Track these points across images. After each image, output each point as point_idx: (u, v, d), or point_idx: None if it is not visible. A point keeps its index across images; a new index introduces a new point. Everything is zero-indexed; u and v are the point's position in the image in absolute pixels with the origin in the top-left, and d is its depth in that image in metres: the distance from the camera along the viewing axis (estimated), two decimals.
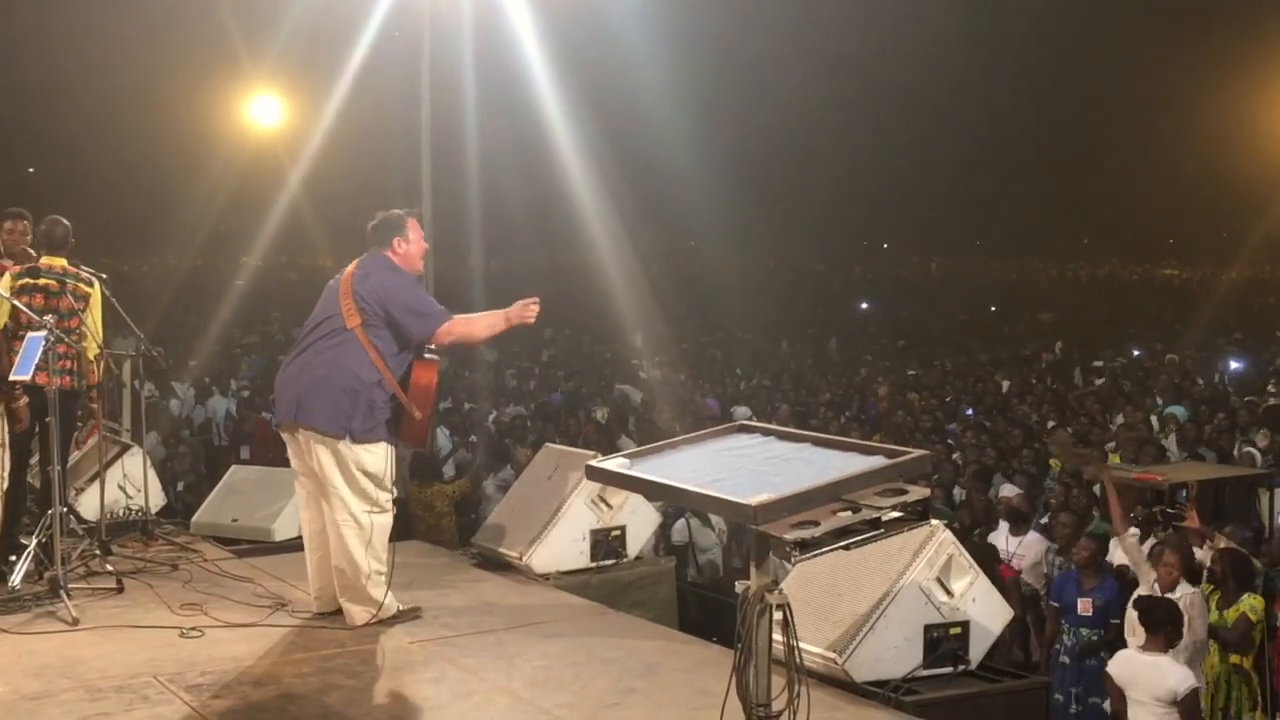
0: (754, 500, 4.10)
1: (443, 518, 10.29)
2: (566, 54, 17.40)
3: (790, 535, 4.11)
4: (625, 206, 25.60)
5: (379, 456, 6.32)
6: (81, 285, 7.38)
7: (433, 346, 6.36)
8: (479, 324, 6.56)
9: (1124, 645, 7.15)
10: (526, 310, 6.46)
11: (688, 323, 27.11)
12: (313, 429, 6.26)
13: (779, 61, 46.67)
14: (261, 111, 25.61)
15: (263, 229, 26.61)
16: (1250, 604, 7.02)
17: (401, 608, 6.54)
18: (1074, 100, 54.52)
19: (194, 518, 8.91)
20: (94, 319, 7.41)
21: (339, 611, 6.50)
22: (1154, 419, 13.65)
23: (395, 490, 6.55)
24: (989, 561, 8.11)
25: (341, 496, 6.29)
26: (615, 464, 4.87)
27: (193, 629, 6.35)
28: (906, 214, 55.07)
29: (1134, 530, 7.77)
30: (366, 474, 6.29)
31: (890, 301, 40.27)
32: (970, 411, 15.15)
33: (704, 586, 9.90)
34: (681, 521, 10.16)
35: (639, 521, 7.96)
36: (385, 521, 6.43)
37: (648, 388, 18.58)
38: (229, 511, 8.76)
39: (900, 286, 45.57)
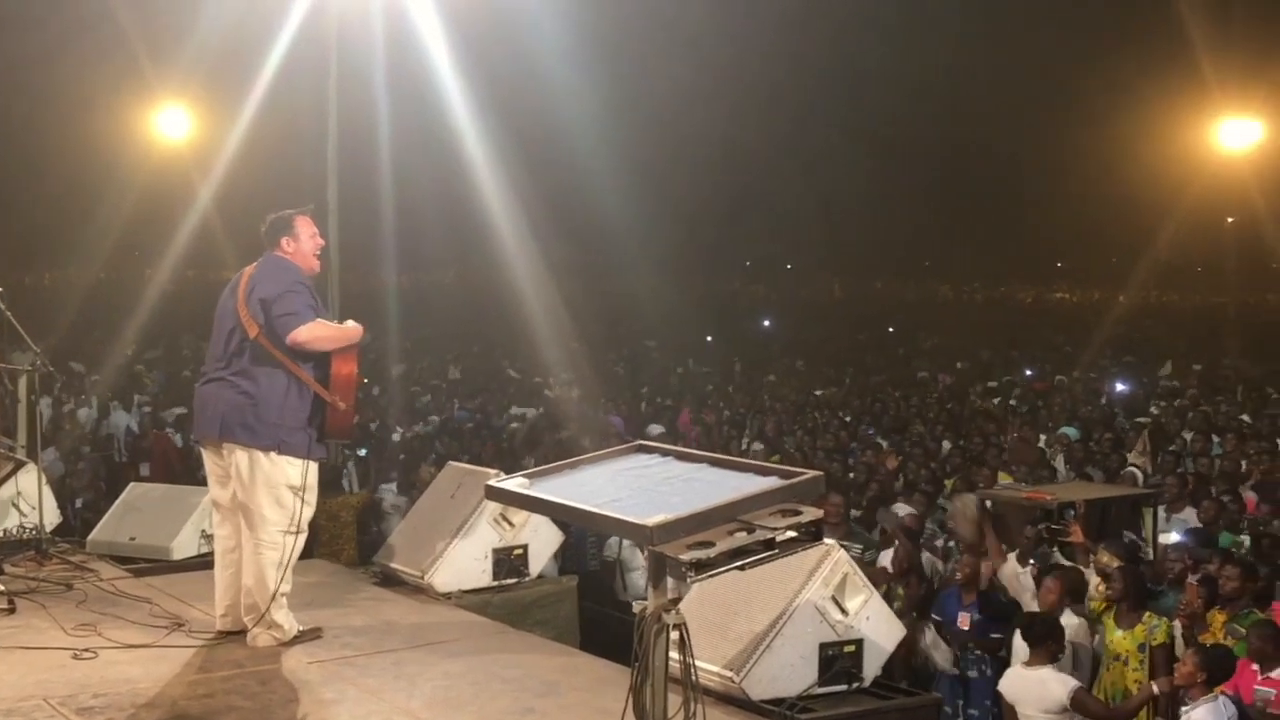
0: (651, 521, 4.17)
1: (346, 528, 10.22)
2: (478, 69, 17.42)
3: (686, 556, 4.18)
4: (537, 222, 25.62)
5: (303, 469, 6.32)
6: None
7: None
8: (339, 332, 6.41)
9: (1000, 656, 7.37)
10: (359, 332, 6.48)
11: (597, 340, 27.20)
12: (237, 443, 6.25)
13: (688, 80, 47.02)
14: (168, 123, 25.24)
15: (171, 242, 26.19)
16: (1152, 625, 7.17)
17: (302, 629, 6.51)
18: (974, 125, 55.66)
19: (90, 536, 8.75)
20: None
21: (242, 632, 6.45)
22: (1043, 439, 14.01)
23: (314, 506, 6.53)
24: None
25: (263, 515, 6.27)
26: (514, 484, 4.92)
27: (86, 650, 6.25)
28: (810, 234, 55.77)
29: (1012, 560, 7.96)
30: (291, 488, 6.29)
31: (793, 321, 40.74)
32: (871, 430, 15.41)
33: (625, 607, 9.90)
34: (613, 539, 10.16)
35: (541, 540, 7.99)
36: (300, 543, 6.43)
37: (553, 405, 18.61)
38: (127, 529, 8.63)
39: (803, 306, 46.15)
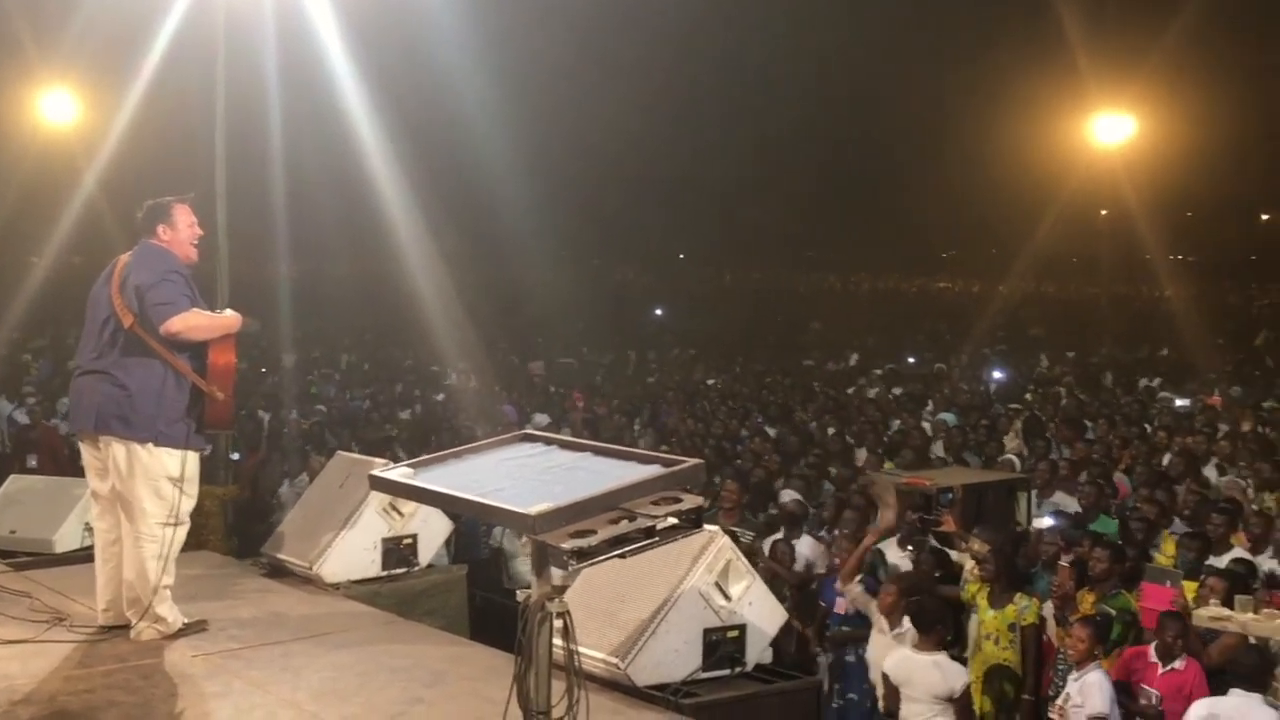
0: (533, 510, 4.24)
1: (210, 517, 10.10)
2: (371, 58, 17.26)
3: (567, 544, 4.26)
4: (432, 212, 25.46)
5: (181, 460, 6.27)
6: None
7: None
8: (215, 321, 6.33)
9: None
10: (240, 321, 6.43)
11: (491, 329, 27.14)
12: (114, 435, 6.17)
13: (581, 71, 47.05)
14: (53, 107, 24.61)
15: (56, 228, 25.55)
16: (1023, 606, 7.43)
17: (187, 621, 6.46)
18: (861, 119, 56.60)
19: None
20: None
21: (125, 626, 6.39)
22: (927, 425, 14.34)
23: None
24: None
25: (143, 507, 6.21)
26: (399, 473, 4.95)
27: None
28: (703, 225, 56.19)
29: (857, 583, 8.13)
30: (170, 479, 6.24)
31: (684, 311, 41.01)
32: (760, 419, 15.61)
33: (511, 595, 9.98)
34: (499, 529, 10.20)
35: (431, 530, 8.00)
36: (181, 535, 6.38)
37: (450, 394, 18.57)
38: (7, 522, 8.45)
39: (695, 296, 46.48)
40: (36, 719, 5.33)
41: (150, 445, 6.17)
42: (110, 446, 6.23)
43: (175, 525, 6.30)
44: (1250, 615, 3.96)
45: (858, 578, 8.08)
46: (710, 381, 20.96)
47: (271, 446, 13.61)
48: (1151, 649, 6.72)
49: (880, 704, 7.54)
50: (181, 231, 6.39)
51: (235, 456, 12.45)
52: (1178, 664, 6.47)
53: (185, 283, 6.25)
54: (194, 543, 9.61)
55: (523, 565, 10.27)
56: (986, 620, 7.48)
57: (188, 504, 6.36)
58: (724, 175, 52.61)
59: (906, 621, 7.39)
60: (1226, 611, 4.04)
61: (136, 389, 6.14)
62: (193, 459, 6.34)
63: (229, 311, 6.46)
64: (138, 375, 6.15)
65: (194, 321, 6.16)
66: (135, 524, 6.24)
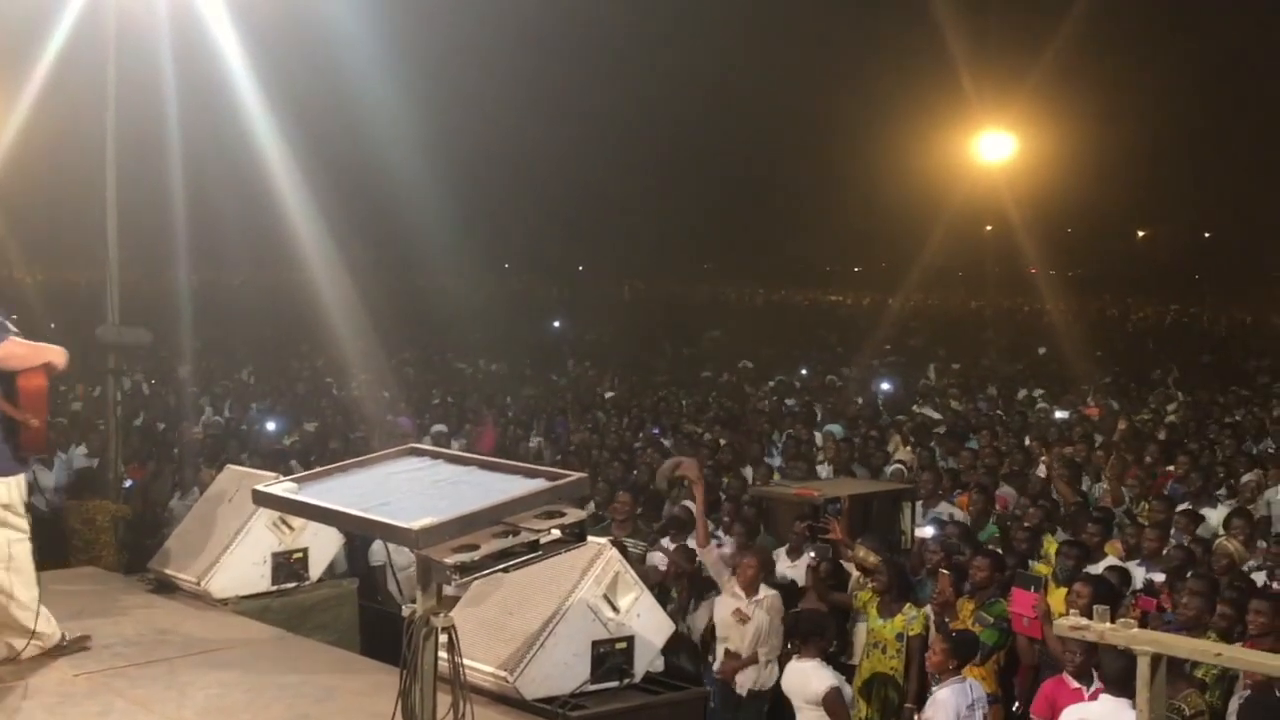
0: (415, 525, 4.28)
1: (102, 533, 9.95)
2: (272, 68, 17.07)
3: (450, 559, 4.30)
4: (335, 221, 25.20)
5: (9, 486, 6.06)
6: None
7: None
8: (33, 350, 6.12)
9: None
10: (61, 355, 6.24)
11: (392, 340, 26.95)
12: None
13: (485, 82, 47.02)
14: None
15: None
16: (911, 616, 7.61)
17: (67, 636, 6.35)
18: (756, 136, 57.41)
19: None
20: None
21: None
22: (816, 436, 14.57)
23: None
24: None
25: None
26: (282, 488, 4.95)
27: None
28: (601, 237, 56.53)
29: (716, 543, 8.41)
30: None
31: (583, 322, 41.10)
32: (656, 430, 15.72)
33: (397, 608, 9.95)
34: (378, 543, 10.13)
35: (321, 544, 7.94)
36: (27, 549, 6.20)
37: (342, 406, 18.42)
38: None
39: (593, 307, 46.58)
40: None
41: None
42: None
43: (19, 539, 6.11)
44: (1107, 625, 4.12)
45: (712, 544, 8.35)
46: (608, 394, 21.03)
47: (162, 459, 13.40)
48: (1066, 676, 6.66)
49: (716, 665, 7.89)
50: None
51: (128, 484, 12.26)
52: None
53: None
54: (87, 558, 9.49)
55: (414, 575, 10.22)
56: (876, 629, 7.65)
57: (22, 523, 6.16)
58: (623, 188, 52.98)
59: (764, 589, 7.73)
60: (1084, 621, 4.19)
61: None
62: (21, 481, 6.15)
63: (55, 348, 6.24)
64: None
65: (10, 350, 5.97)
66: None
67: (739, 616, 7.73)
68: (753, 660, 7.81)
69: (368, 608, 8.60)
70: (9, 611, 6.12)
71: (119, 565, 9.41)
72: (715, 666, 7.92)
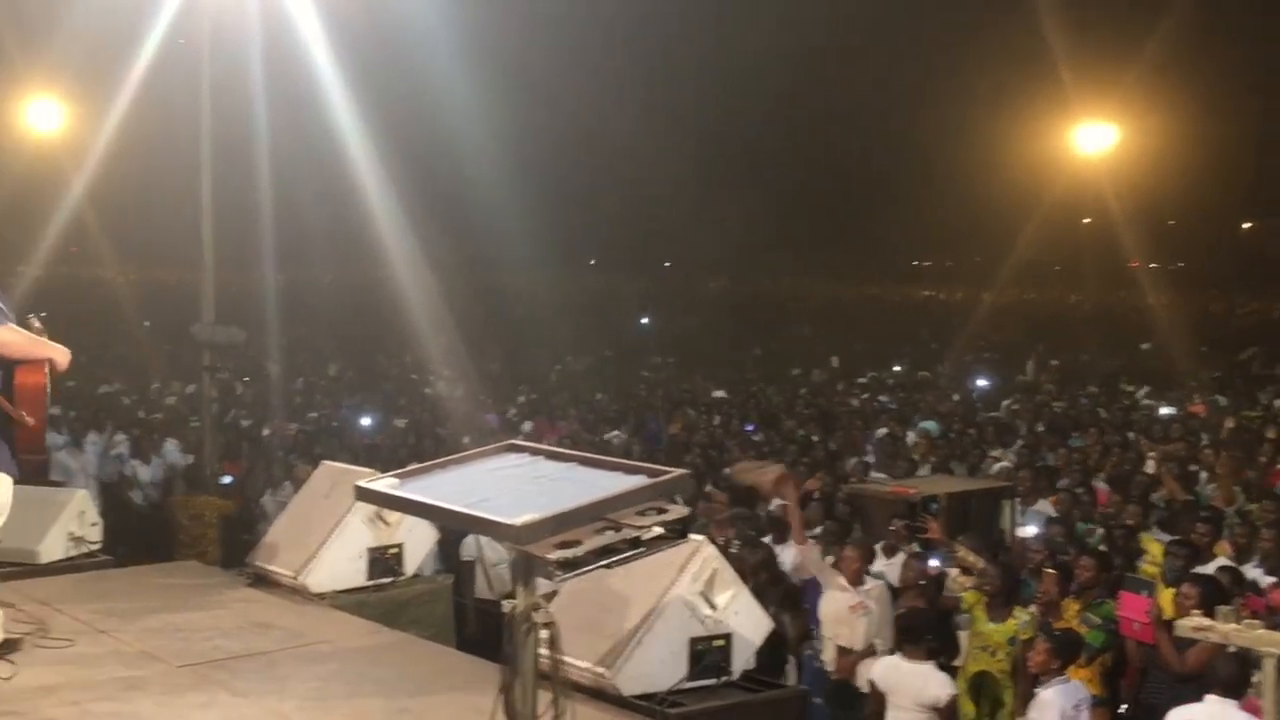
0: (518, 520, 4.25)
1: (209, 528, 10.10)
2: (356, 66, 17.26)
3: (553, 555, 4.26)
4: (420, 218, 25.43)
5: (4, 485, 5.84)
6: None
7: None
8: (32, 342, 5.83)
9: None
10: (62, 354, 5.94)
11: (477, 336, 27.15)
12: None
13: (566, 73, 47.04)
14: (40, 116, 24.57)
15: (42, 237, 25.49)
16: (1023, 620, 7.42)
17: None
18: (847, 130, 56.75)
19: None
20: None
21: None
22: (911, 434, 14.37)
23: None
24: None
25: None
26: (385, 484, 4.95)
27: None
28: (689, 232, 56.30)
29: (812, 541, 8.23)
30: None
31: (671, 318, 41.05)
32: (751, 428, 15.60)
33: (489, 604, 9.99)
34: (470, 538, 10.19)
35: (416, 539, 7.97)
36: None
37: (430, 403, 18.57)
38: None
39: (680, 304, 46.52)
40: None
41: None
42: None
43: None
44: (1233, 625, 3.97)
45: (810, 542, 8.18)
46: (716, 394, 20.71)
47: (255, 456, 13.58)
48: None
49: (830, 663, 7.70)
50: None
51: (226, 480, 12.46)
52: None
53: None
54: (192, 553, 9.63)
55: (506, 572, 10.28)
56: (985, 633, 7.46)
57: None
58: (711, 182, 52.66)
59: (870, 581, 7.56)
60: (1208, 621, 4.06)
61: None
62: (8, 483, 5.90)
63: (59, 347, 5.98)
64: None
65: (5, 337, 5.69)
66: None
67: (853, 610, 7.58)
68: (870, 653, 7.64)
69: (460, 603, 8.65)
70: None
71: (220, 560, 9.54)
72: (828, 664, 7.76)
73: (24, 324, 6.02)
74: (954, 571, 7.94)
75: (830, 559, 8.12)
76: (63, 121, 25.48)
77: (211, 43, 13.00)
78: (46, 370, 5.75)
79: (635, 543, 4.47)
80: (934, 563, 7.94)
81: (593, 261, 62.11)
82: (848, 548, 7.89)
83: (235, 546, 10.52)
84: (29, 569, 8.10)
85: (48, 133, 25.71)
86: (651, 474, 4.70)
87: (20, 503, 8.57)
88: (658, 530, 4.54)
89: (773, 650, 7.89)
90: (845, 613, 7.63)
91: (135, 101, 16.99)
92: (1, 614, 6.18)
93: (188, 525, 9.99)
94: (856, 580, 7.67)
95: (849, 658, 7.57)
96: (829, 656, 7.74)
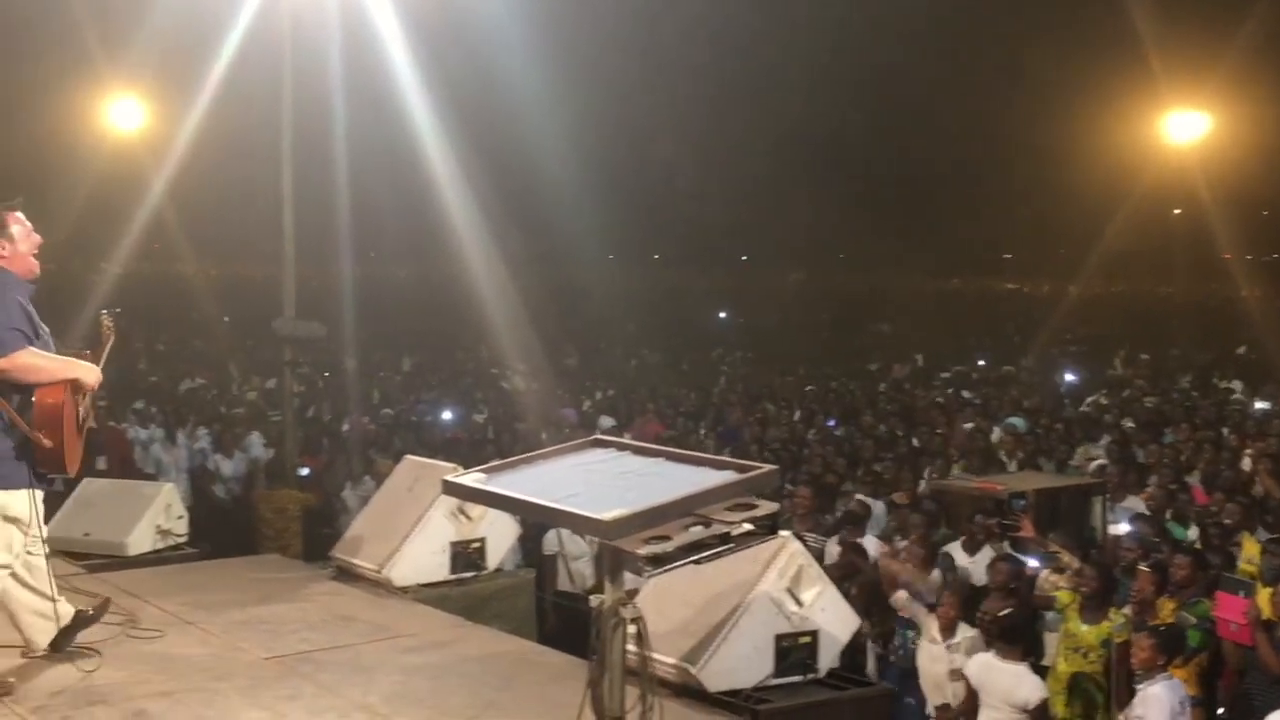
0: (607, 515, 4.21)
1: (292, 521, 10.20)
2: (433, 61, 17.34)
3: (643, 550, 4.23)
4: (494, 214, 25.53)
5: (22, 499, 5.63)
6: None
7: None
8: (53, 364, 5.63)
9: None
10: (90, 372, 5.82)
11: (553, 331, 27.24)
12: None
13: (642, 67, 47.04)
14: (121, 114, 24.98)
15: (123, 235, 25.94)
16: (1119, 623, 7.25)
17: None
18: (926, 120, 56.01)
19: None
20: None
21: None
22: (996, 430, 14.14)
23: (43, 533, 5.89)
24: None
25: None
26: (472, 479, 4.93)
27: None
28: (766, 227, 55.98)
29: (903, 595, 7.96)
30: (7, 519, 5.62)
31: (748, 313, 40.90)
32: (833, 423, 15.46)
33: (570, 598, 10.02)
34: (552, 532, 10.21)
35: (499, 533, 8.00)
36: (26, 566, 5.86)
37: (508, 398, 18.62)
38: (81, 525, 8.53)
39: (758, 298, 46.30)
40: None
41: (14, 490, 5.59)
42: None
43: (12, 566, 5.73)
44: None
45: (901, 591, 7.94)
46: (808, 388, 20.49)
47: (335, 450, 13.70)
48: None
49: (932, 712, 7.46)
50: (20, 243, 5.68)
51: (304, 472, 12.59)
52: None
53: (19, 311, 5.56)
54: (275, 547, 9.71)
55: (587, 566, 10.29)
56: (1080, 634, 7.30)
57: (20, 543, 5.73)
58: (787, 175, 52.27)
59: (960, 631, 7.29)
60: None
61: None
62: (36, 495, 5.71)
63: (84, 364, 5.83)
64: None
65: (24, 361, 5.48)
66: None
67: (950, 675, 7.25)
68: (963, 712, 7.18)
69: (540, 597, 8.66)
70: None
71: (302, 553, 9.62)
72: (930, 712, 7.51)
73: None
74: (1045, 571, 7.78)
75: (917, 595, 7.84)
76: (143, 120, 25.88)
77: (292, 39, 13.10)
78: (66, 390, 5.57)
79: (725, 538, 4.44)
80: (1033, 563, 7.74)
81: (659, 256, 62.04)
82: (945, 595, 7.57)
83: (315, 540, 10.62)
84: (118, 561, 8.24)
85: (128, 131, 26.13)
86: (740, 469, 4.66)
87: (109, 496, 8.81)
88: (747, 526, 4.50)
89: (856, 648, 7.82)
90: (940, 674, 7.40)
91: (214, 99, 17.19)
92: (70, 606, 6.22)
93: (271, 519, 10.09)
94: (950, 630, 7.43)
95: (948, 714, 7.36)
96: (931, 708, 7.51)
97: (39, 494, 5.74)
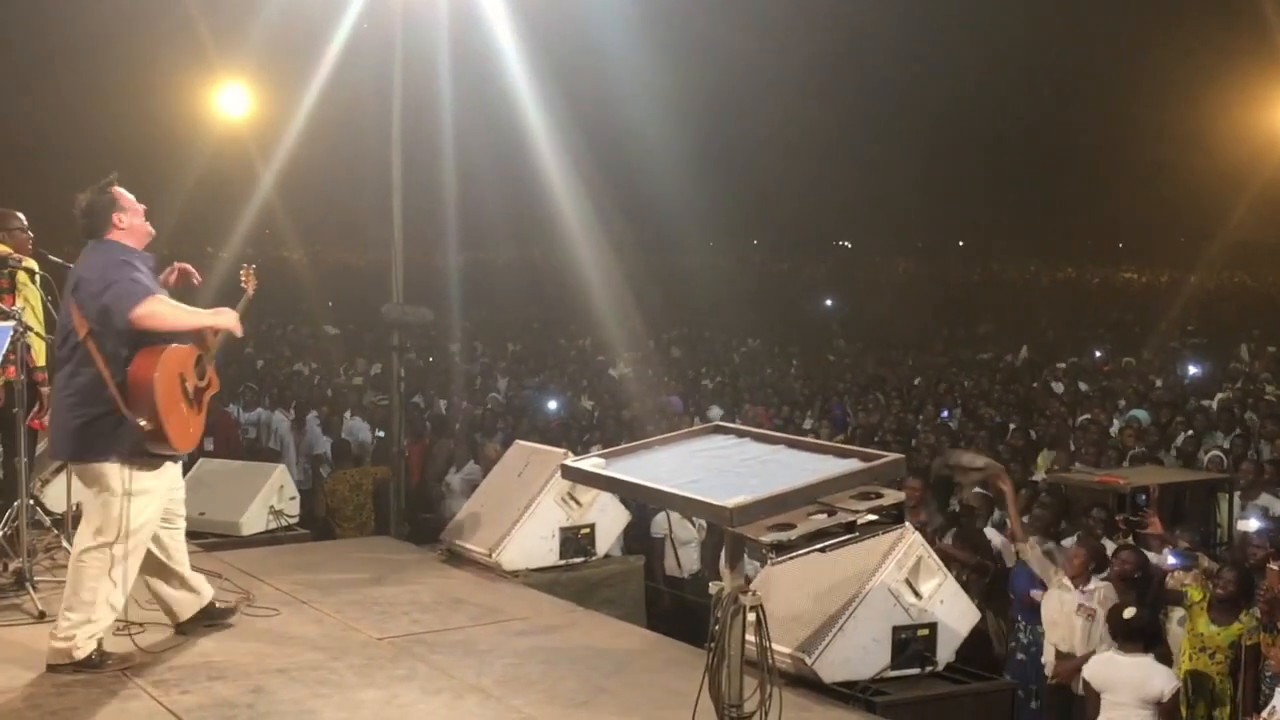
0: (730, 502, 4.15)
1: (369, 498, 10.30)
2: (541, 46, 17.33)
3: (767, 538, 4.16)
4: (598, 200, 25.55)
5: (114, 472, 5.66)
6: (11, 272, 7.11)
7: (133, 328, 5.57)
8: (175, 311, 5.73)
9: None
10: (222, 317, 5.95)
11: (654, 318, 27.20)
12: (89, 460, 5.67)
13: (751, 56, 46.72)
14: (229, 101, 25.39)
15: (231, 221, 26.43)
16: (1251, 627, 7.00)
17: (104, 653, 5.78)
18: (1039, 106, 54.91)
19: None
20: (34, 306, 7.15)
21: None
22: (1116, 422, 13.76)
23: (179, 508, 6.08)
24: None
25: (95, 524, 5.68)
26: (591, 464, 4.90)
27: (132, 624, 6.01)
28: (872, 214, 55.30)
29: (1035, 539, 7.79)
30: (122, 494, 5.64)
31: (854, 301, 40.44)
32: (946, 413, 15.18)
33: (675, 582, 9.97)
34: (661, 515, 10.17)
35: (608, 519, 7.99)
36: (133, 555, 5.79)
37: (614, 385, 18.59)
38: (196, 504, 8.55)
39: (864, 287, 45.77)
40: (236, 695, 5.43)
41: (107, 463, 5.65)
42: (83, 469, 5.78)
43: (123, 541, 5.67)
44: None
45: (1032, 540, 7.76)
46: (917, 381, 20.15)
47: (437, 433, 13.78)
48: None
49: (1049, 666, 7.32)
50: (132, 214, 5.85)
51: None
52: None
53: (145, 267, 5.74)
54: (353, 526, 9.79)
55: (694, 551, 10.24)
56: (1208, 634, 7.05)
57: (139, 517, 5.70)
58: (895, 162, 51.53)
59: (1095, 582, 7.16)
60: None
61: (93, 409, 5.60)
62: (148, 474, 5.74)
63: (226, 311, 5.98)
64: (90, 393, 5.60)
65: (154, 308, 5.58)
66: (80, 536, 5.77)
67: (1078, 613, 7.18)
68: (1084, 660, 6.98)
69: (649, 584, 8.62)
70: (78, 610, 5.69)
71: (376, 528, 9.70)
72: (1047, 666, 7.39)
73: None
74: (1173, 571, 7.52)
75: (1048, 552, 7.71)
76: (251, 107, 26.31)
77: (402, 24, 13.17)
78: (160, 366, 5.58)
79: (850, 527, 4.35)
80: (1172, 560, 7.49)
81: (756, 242, 61.54)
82: (1076, 545, 7.47)
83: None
84: (232, 540, 8.37)
85: (237, 118, 26.58)
86: (865, 458, 4.56)
87: (225, 476, 8.95)
88: (872, 515, 4.40)
89: (980, 642, 7.65)
90: (1068, 615, 7.23)
91: (323, 85, 17.34)
92: (210, 587, 6.36)
93: (348, 496, 10.19)
94: (1082, 579, 7.26)
95: (1068, 662, 7.17)
96: (1049, 658, 7.35)
97: (174, 466, 5.92)
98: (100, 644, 5.68)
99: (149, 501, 5.75)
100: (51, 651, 5.63)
